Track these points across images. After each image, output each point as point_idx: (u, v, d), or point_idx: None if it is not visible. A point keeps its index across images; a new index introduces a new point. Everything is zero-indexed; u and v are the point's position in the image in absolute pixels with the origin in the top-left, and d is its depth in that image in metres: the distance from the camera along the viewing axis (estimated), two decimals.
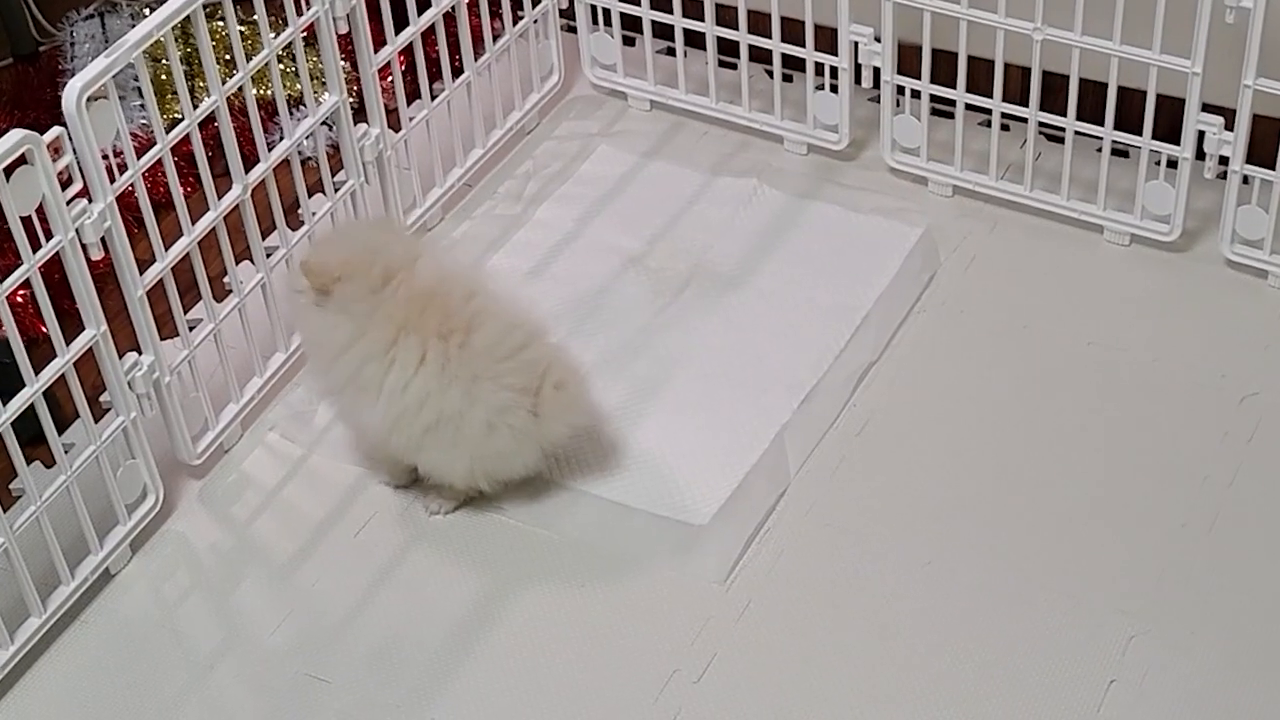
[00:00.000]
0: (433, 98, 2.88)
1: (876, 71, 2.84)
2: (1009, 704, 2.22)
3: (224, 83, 2.40)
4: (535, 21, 3.05)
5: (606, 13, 3.10)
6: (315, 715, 2.25)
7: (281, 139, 2.55)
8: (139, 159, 2.30)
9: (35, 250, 2.18)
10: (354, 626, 2.35)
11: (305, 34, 2.54)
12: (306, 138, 2.57)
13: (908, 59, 2.84)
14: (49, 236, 2.20)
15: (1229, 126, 2.61)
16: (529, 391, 2.36)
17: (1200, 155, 2.66)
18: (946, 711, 2.21)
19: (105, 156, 2.23)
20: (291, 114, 2.59)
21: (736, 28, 2.94)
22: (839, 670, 2.27)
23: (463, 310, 2.36)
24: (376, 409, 2.37)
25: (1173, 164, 2.71)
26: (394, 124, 2.79)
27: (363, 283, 2.34)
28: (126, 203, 2.43)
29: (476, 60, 2.92)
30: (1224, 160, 2.65)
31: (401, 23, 2.76)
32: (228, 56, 2.41)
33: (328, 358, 2.39)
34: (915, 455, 2.53)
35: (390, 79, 2.82)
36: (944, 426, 2.56)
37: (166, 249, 2.40)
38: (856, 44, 2.82)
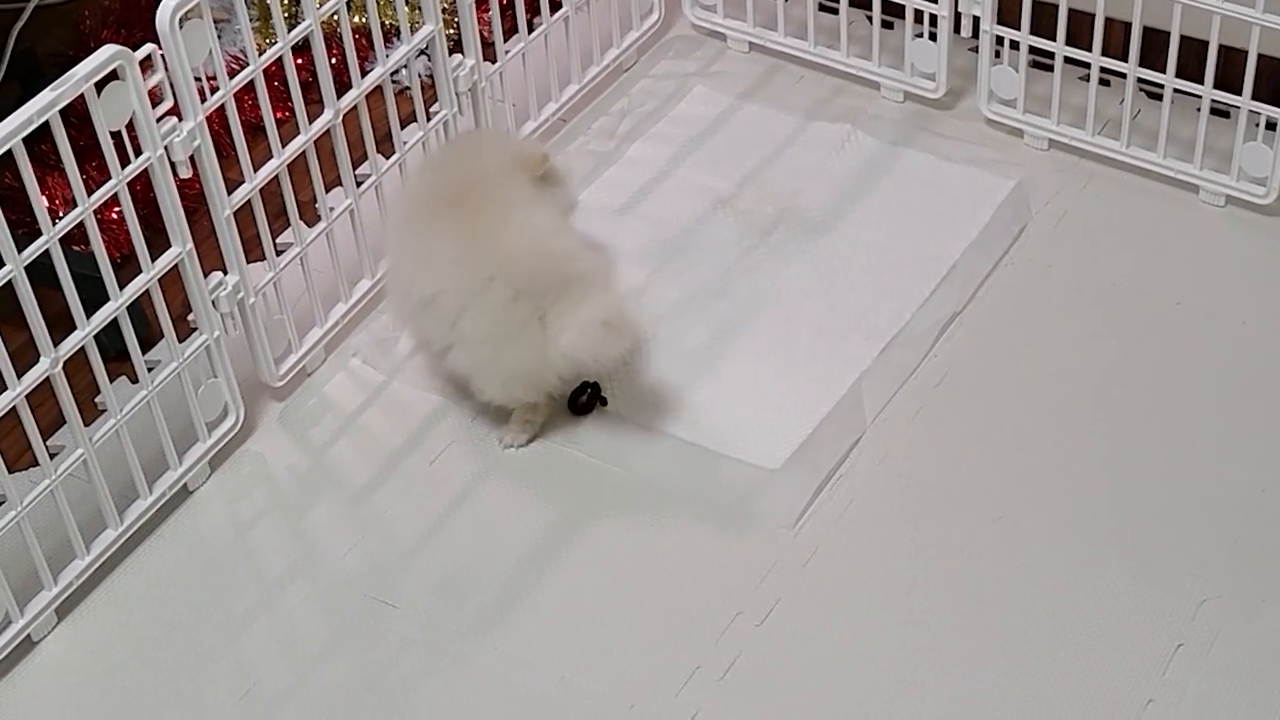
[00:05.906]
0: (530, 31, 2.89)
1: (976, 21, 2.81)
2: (1075, 663, 2.20)
3: (319, 7, 2.41)
4: None
5: None
6: (381, 639, 2.28)
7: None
8: (231, 81, 2.32)
9: (124, 166, 2.21)
10: (424, 554, 2.37)
11: None
12: (403, 68, 2.57)
13: (1008, 9, 2.80)
14: (140, 154, 2.23)
15: None
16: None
17: None
18: (1010, 667, 2.20)
19: (197, 77, 2.25)
20: (388, 44, 2.60)
21: None
22: (903, 619, 2.26)
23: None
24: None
25: (1272, 125, 2.67)
26: (491, 58, 2.79)
27: None
28: (221, 125, 2.46)
29: None
30: None
31: None
32: None
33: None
34: (993, 409, 2.51)
35: (489, 12, 2.82)
36: (1024, 381, 2.54)
37: (256, 171, 2.42)
38: None
